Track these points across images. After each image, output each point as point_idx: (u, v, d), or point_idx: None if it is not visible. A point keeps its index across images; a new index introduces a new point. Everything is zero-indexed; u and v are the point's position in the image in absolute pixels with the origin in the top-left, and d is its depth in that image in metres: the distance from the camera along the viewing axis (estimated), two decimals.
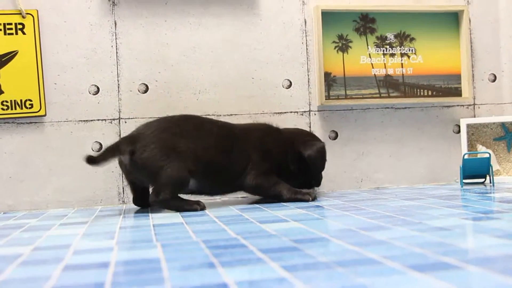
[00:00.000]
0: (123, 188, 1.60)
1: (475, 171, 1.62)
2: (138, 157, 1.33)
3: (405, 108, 1.77)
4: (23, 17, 1.56)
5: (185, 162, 1.34)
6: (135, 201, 1.47)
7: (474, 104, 1.82)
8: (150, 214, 1.31)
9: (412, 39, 1.75)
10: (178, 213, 1.30)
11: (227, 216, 1.19)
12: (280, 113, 1.70)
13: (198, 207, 1.33)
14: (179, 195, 1.36)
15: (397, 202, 1.31)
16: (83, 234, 1.04)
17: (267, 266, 0.68)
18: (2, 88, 1.55)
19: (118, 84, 1.62)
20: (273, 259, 0.72)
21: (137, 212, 1.39)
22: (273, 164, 1.45)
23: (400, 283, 0.57)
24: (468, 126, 1.77)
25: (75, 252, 0.84)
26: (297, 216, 1.14)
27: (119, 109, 1.61)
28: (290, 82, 1.71)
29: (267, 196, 1.45)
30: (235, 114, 1.67)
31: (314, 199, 1.42)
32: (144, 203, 1.44)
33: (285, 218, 1.11)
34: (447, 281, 0.56)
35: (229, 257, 0.74)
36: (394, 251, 0.73)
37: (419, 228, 0.91)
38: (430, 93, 1.75)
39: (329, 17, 1.69)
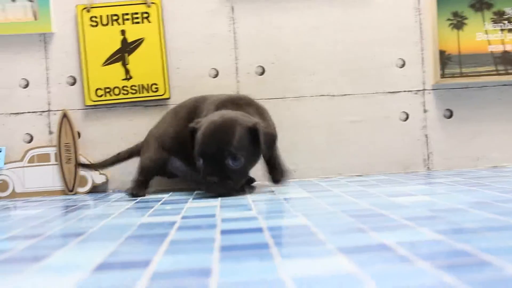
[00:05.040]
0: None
1: None
2: None
3: None
4: (148, 6, 1.66)
5: (162, 143, 1.47)
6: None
7: None
8: (274, 189, 1.37)
9: None
10: (304, 189, 1.35)
11: (351, 192, 1.23)
12: (394, 92, 1.71)
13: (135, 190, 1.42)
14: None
15: None
16: (221, 206, 1.11)
17: (417, 230, 0.71)
18: (131, 74, 1.65)
19: (236, 67, 1.69)
20: (420, 225, 0.75)
21: (260, 188, 1.45)
22: None
23: None
24: None
25: (223, 220, 0.90)
26: (422, 191, 1.16)
27: (238, 91, 1.68)
28: (404, 61, 1.71)
29: None
30: (349, 94, 1.70)
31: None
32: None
33: (410, 193, 1.14)
34: None
35: (374, 224, 0.78)
36: None
37: None
38: None
39: None
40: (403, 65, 1.71)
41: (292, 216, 0.91)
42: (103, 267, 0.60)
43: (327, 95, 1.69)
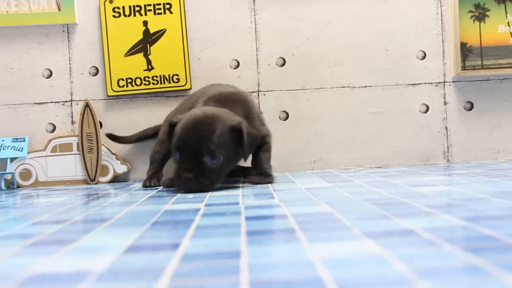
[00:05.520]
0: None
1: None
2: None
3: None
4: None
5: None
6: None
7: None
8: (294, 179, 1.38)
9: None
10: (324, 180, 1.36)
11: (373, 182, 1.23)
12: (414, 84, 1.71)
13: (147, 182, 1.42)
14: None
15: None
16: (244, 195, 1.12)
17: (441, 217, 0.72)
18: (153, 64, 1.67)
19: (257, 58, 1.69)
20: (444, 212, 0.75)
21: (280, 178, 1.46)
22: None
23: None
24: None
25: (247, 207, 0.91)
26: (443, 182, 1.16)
27: (258, 82, 1.69)
28: (424, 53, 1.71)
29: None
30: (369, 86, 1.70)
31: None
32: None
33: (431, 183, 1.14)
34: None
35: (397, 211, 0.78)
36: None
37: None
38: None
39: None
40: (424, 57, 1.71)
41: (315, 204, 0.92)
42: (133, 249, 0.62)
43: (348, 87, 1.69)
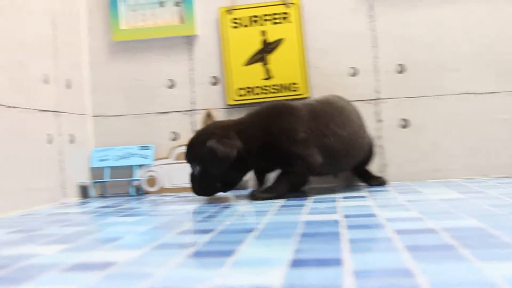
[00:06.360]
0: (382, 167, 1.67)
1: None
2: None
3: None
4: (288, 6, 1.69)
5: None
6: None
7: None
8: (420, 189, 1.35)
9: None
10: (453, 190, 1.32)
11: (509, 193, 1.19)
12: None
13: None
14: None
15: None
16: (376, 205, 1.11)
17: None
18: (271, 73, 1.69)
19: (375, 66, 1.68)
20: None
21: (404, 187, 1.43)
22: None
23: None
24: None
25: (389, 220, 0.91)
26: None
27: (377, 90, 1.67)
28: None
29: None
30: (494, 92, 1.64)
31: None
32: None
33: None
34: None
35: None
36: None
37: None
38: None
39: None
40: None
41: (458, 217, 0.90)
42: (297, 263, 0.63)
43: (471, 93, 1.64)
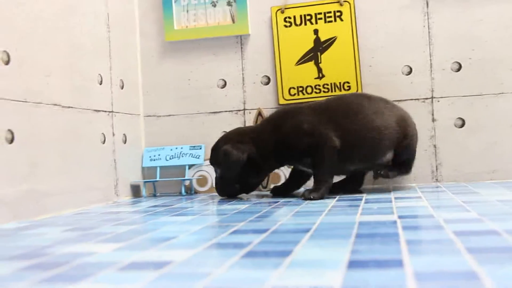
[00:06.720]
0: (436, 167, 1.63)
1: None
2: None
3: None
4: (341, 4, 1.67)
5: None
6: None
7: None
8: (477, 190, 1.31)
9: None
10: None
11: None
12: None
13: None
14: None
15: None
16: (432, 206, 1.08)
17: None
18: (323, 72, 1.67)
19: (431, 64, 1.64)
20: None
21: (461, 188, 1.39)
22: None
23: None
24: None
25: (447, 221, 0.88)
26: None
27: (432, 88, 1.63)
28: None
29: None
30: None
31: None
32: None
33: None
34: None
35: None
36: None
37: None
38: None
39: None
40: None
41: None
42: (355, 265, 0.61)
43: None
